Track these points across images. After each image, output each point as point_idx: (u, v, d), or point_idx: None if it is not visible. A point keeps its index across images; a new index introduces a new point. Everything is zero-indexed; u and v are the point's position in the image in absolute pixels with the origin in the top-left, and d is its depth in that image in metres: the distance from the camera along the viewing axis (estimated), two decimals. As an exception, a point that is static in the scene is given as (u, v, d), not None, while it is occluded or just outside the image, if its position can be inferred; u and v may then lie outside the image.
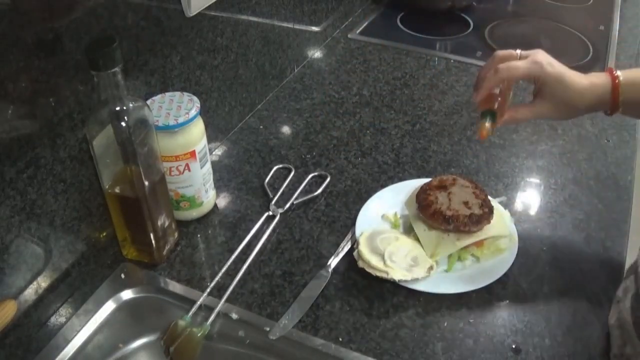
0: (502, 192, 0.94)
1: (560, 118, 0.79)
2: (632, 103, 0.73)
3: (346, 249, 0.83)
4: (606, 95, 0.72)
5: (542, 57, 0.74)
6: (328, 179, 0.95)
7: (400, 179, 0.95)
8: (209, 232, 0.86)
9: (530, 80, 0.75)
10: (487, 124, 0.76)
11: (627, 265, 0.81)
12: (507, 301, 0.76)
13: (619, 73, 0.72)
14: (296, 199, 0.91)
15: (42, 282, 0.71)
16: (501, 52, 0.77)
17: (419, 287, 0.75)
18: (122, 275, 0.78)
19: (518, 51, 0.76)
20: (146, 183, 0.72)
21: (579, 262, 0.81)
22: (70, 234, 0.73)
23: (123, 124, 0.66)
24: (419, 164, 1.00)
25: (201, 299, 0.74)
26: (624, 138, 1.06)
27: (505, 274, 0.78)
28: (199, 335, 0.70)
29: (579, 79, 0.73)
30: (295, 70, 1.25)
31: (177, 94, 0.80)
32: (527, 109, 0.76)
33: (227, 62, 0.99)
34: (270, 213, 0.88)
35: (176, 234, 0.83)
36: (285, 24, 1.15)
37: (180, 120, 0.76)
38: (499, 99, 0.77)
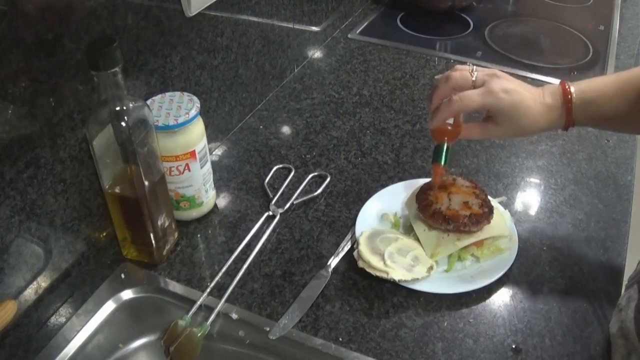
0: (502, 192, 0.94)
1: (510, 137, 0.83)
2: (586, 121, 0.73)
3: (346, 249, 0.83)
4: (560, 118, 0.73)
5: (496, 85, 0.72)
6: (328, 179, 0.95)
7: (400, 179, 0.95)
8: (209, 232, 0.86)
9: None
10: (441, 166, 0.78)
11: (627, 266, 0.81)
12: (507, 301, 0.76)
13: (572, 90, 0.72)
14: (296, 199, 0.91)
15: (42, 282, 0.71)
16: (456, 74, 0.74)
17: (419, 287, 0.75)
18: (122, 275, 0.78)
19: (474, 72, 0.74)
20: (146, 183, 0.72)
21: (579, 262, 0.81)
22: (70, 234, 0.73)
23: (123, 124, 0.66)
24: (419, 164, 1.00)
25: (201, 299, 0.74)
26: (624, 138, 1.06)
27: (505, 274, 0.78)
28: (199, 335, 0.70)
29: (533, 105, 0.72)
30: (295, 70, 1.25)
31: (177, 94, 0.80)
32: (478, 129, 0.77)
33: (227, 62, 0.99)
34: (270, 213, 0.88)
35: (176, 234, 0.83)
36: (285, 24, 1.15)
37: (180, 120, 0.76)
38: (453, 121, 0.78)
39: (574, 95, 0.72)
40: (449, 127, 0.78)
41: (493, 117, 0.74)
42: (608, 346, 0.70)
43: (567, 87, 0.72)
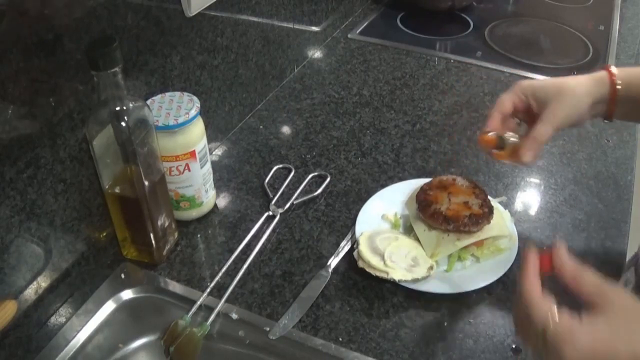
0: (502, 192, 0.94)
1: (570, 121, 0.74)
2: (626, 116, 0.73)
3: (346, 249, 0.83)
4: (605, 87, 0.72)
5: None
6: (328, 179, 0.95)
7: (400, 179, 0.95)
8: (209, 232, 0.86)
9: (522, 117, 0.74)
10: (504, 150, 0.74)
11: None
12: (507, 301, 0.76)
13: (614, 70, 0.72)
14: (296, 199, 0.91)
15: (42, 282, 0.71)
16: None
17: (419, 287, 0.75)
18: (122, 275, 0.78)
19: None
20: (146, 183, 0.72)
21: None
22: (70, 234, 0.73)
23: (123, 124, 0.66)
24: (419, 164, 1.00)
25: (201, 299, 0.74)
26: (624, 138, 1.06)
27: (505, 274, 0.78)
28: (199, 335, 0.70)
29: (574, 78, 0.73)
30: (295, 70, 1.25)
31: (177, 94, 0.80)
32: (542, 127, 0.71)
33: (227, 62, 0.99)
34: (270, 213, 0.88)
35: (176, 234, 0.83)
36: (285, 24, 1.15)
37: (180, 120, 0.76)
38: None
39: (615, 71, 0.72)
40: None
41: (540, 107, 0.73)
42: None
43: (609, 66, 0.72)
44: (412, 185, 0.90)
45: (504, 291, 0.77)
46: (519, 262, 0.80)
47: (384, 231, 0.82)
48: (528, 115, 0.74)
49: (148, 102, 0.77)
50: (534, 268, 0.58)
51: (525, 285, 0.57)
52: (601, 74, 0.73)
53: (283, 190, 0.92)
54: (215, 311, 0.72)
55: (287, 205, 0.89)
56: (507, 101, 0.75)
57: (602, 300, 0.54)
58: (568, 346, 0.52)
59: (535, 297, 0.56)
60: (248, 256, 0.80)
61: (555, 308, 0.54)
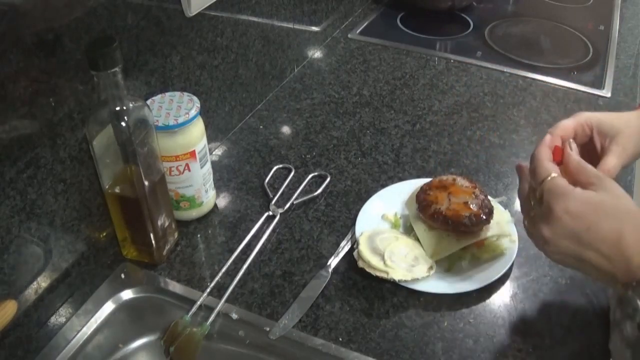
0: (502, 192, 0.94)
1: (637, 156, 0.72)
2: None
3: (346, 249, 0.83)
4: None
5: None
6: (328, 179, 0.95)
7: (400, 179, 0.95)
8: (209, 232, 0.86)
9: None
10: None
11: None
12: (507, 301, 0.76)
13: None
14: (296, 199, 0.91)
15: (42, 282, 0.71)
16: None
17: (419, 287, 0.75)
18: (122, 275, 0.78)
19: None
20: (146, 183, 0.72)
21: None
22: (70, 234, 0.73)
23: (123, 124, 0.66)
24: (419, 164, 1.00)
25: (201, 299, 0.74)
26: (624, 138, 1.06)
27: (505, 274, 0.78)
28: (199, 335, 0.70)
29: (635, 113, 0.71)
30: (295, 70, 1.25)
31: (177, 94, 0.80)
32: (611, 160, 0.68)
33: (227, 62, 0.99)
34: (270, 213, 0.88)
35: (176, 234, 0.83)
36: (285, 24, 1.15)
37: (180, 120, 0.76)
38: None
39: None
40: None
41: (605, 140, 0.70)
42: (607, 345, 0.70)
43: None
44: (412, 185, 0.90)
45: (504, 291, 0.77)
46: (519, 262, 0.81)
47: (384, 231, 0.82)
48: (582, 148, 0.70)
49: (148, 102, 0.77)
50: (550, 144, 0.66)
51: (539, 149, 0.65)
52: None
53: (283, 190, 0.92)
54: (215, 311, 0.72)
55: (287, 205, 0.89)
56: (570, 127, 0.70)
57: (599, 183, 0.60)
58: (560, 201, 0.59)
59: (544, 158, 0.64)
60: (248, 256, 0.80)
61: (558, 173, 0.62)
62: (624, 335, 0.66)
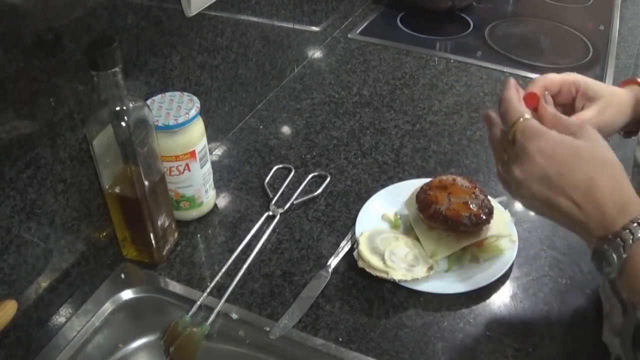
0: (502, 192, 0.93)
1: (611, 127, 0.70)
2: None
3: (346, 249, 0.83)
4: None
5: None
6: (328, 179, 0.95)
7: (400, 179, 0.95)
8: (209, 232, 0.86)
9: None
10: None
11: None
12: (507, 301, 0.76)
13: None
14: (296, 199, 0.91)
15: (42, 282, 0.71)
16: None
17: (419, 287, 0.75)
18: (122, 275, 0.78)
19: None
20: (146, 183, 0.72)
21: (579, 262, 0.81)
22: (70, 234, 0.73)
23: (123, 124, 0.66)
24: (419, 164, 1.00)
25: (201, 299, 0.74)
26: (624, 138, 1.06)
27: (505, 274, 0.78)
28: (199, 335, 0.70)
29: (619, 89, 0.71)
30: (295, 70, 1.25)
31: (177, 94, 0.80)
32: (588, 111, 0.67)
33: (227, 62, 0.99)
34: (270, 213, 0.88)
35: (176, 234, 0.83)
36: (285, 24, 1.15)
37: (180, 120, 0.76)
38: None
39: None
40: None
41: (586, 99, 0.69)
42: (607, 345, 0.70)
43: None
44: (412, 185, 0.90)
45: (504, 291, 0.77)
46: (519, 262, 0.81)
47: (384, 231, 0.82)
48: (562, 108, 0.69)
49: (148, 102, 0.77)
50: (515, 87, 0.63)
51: (508, 92, 0.62)
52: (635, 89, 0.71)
53: (283, 190, 0.92)
54: (215, 311, 0.72)
55: (287, 205, 0.89)
56: (557, 81, 0.68)
57: (579, 132, 0.57)
58: (534, 141, 0.56)
59: (515, 100, 0.61)
60: (248, 256, 0.80)
61: (530, 116, 0.60)
62: (612, 324, 0.66)
